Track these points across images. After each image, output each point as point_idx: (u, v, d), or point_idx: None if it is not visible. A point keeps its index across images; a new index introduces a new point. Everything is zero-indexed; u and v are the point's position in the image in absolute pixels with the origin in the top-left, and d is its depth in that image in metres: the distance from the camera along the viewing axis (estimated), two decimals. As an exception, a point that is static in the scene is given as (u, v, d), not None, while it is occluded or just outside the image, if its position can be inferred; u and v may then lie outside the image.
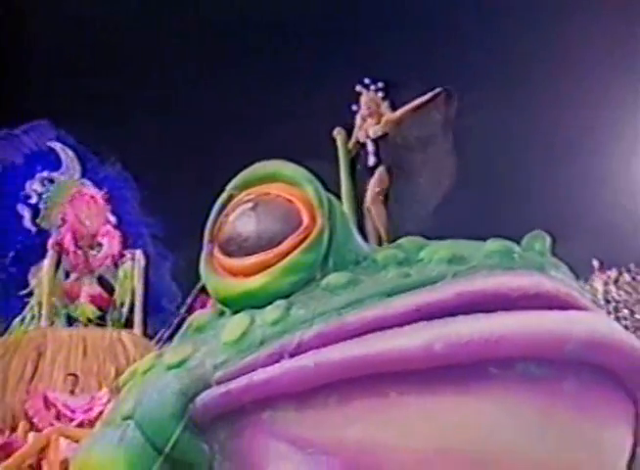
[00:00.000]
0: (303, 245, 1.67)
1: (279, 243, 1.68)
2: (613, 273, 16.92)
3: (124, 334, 11.19)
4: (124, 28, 21.36)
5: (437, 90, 6.33)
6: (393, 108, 6.37)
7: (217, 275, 1.76)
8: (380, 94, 6.48)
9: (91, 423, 7.70)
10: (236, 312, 1.70)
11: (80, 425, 7.93)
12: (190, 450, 1.60)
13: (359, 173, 6.11)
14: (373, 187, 5.96)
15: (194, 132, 20.97)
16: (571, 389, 1.46)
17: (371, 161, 6.30)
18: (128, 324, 11.91)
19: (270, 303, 1.64)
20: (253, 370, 1.54)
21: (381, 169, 6.14)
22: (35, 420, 8.20)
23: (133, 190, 14.79)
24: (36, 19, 21.46)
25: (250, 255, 1.71)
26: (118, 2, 22.00)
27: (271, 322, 1.59)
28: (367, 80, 6.67)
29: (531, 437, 1.45)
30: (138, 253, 12.64)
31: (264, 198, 1.76)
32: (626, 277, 16.78)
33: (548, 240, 1.70)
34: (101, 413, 8.12)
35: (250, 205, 1.76)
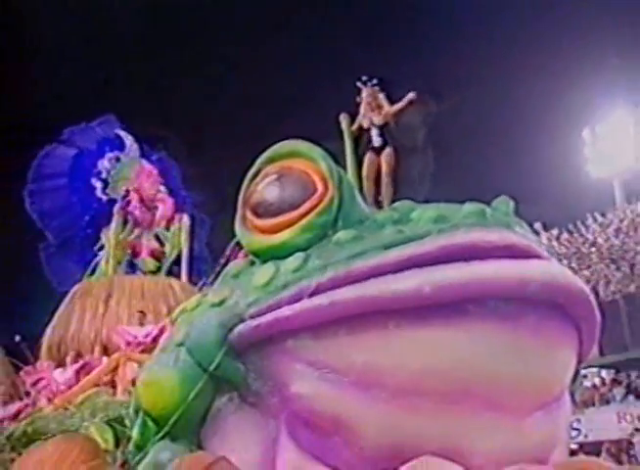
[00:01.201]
0: (318, 208, 1.68)
1: (298, 207, 1.69)
2: (555, 231, 17.05)
3: (173, 281, 11.29)
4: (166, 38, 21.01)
5: (412, 95, 6.25)
6: (390, 100, 6.31)
7: (249, 233, 1.76)
8: (377, 88, 6.42)
9: (149, 349, 7.83)
10: (264, 262, 1.70)
11: (142, 351, 8.05)
12: (229, 370, 1.62)
13: (362, 152, 6.07)
14: (384, 166, 5.93)
15: (224, 121, 20.75)
16: (531, 321, 1.49)
17: (377, 142, 6.24)
18: (175, 273, 12.14)
19: (291, 254, 1.64)
20: (279, 308, 1.56)
21: (388, 150, 6.09)
22: (108, 346, 8.32)
23: (178, 169, 14.93)
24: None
25: (275, 216, 1.71)
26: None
27: (292, 270, 1.60)
28: (364, 77, 6.60)
29: (499, 358, 1.48)
30: (185, 216, 12.73)
31: (286, 171, 1.76)
32: (565, 235, 16.93)
33: (512, 204, 1.73)
34: (156, 341, 8.28)
35: (274, 176, 1.76)
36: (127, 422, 2.40)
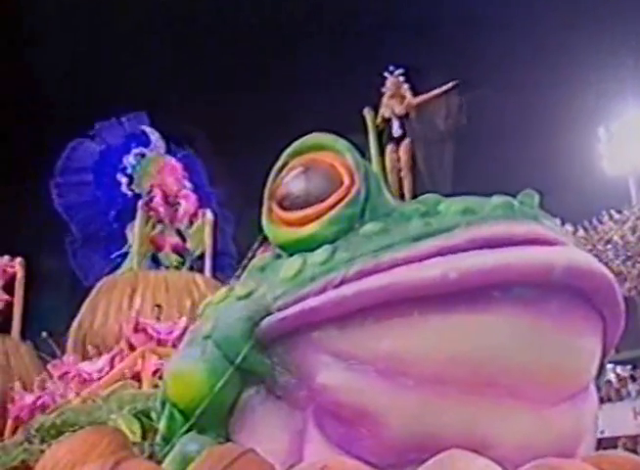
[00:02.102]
0: (345, 201, 1.65)
1: (325, 199, 1.66)
2: (570, 228, 16.93)
3: (197, 275, 11.35)
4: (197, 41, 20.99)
5: (450, 85, 6.19)
6: (413, 91, 6.28)
7: (276, 226, 1.73)
8: (401, 78, 6.38)
9: (173, 343, 7.86)
10: (290, 255, 1.68)
11: (164, 345, 8.06)
12: (256, 363, 1.60)
13: (385, 143, 6.05)
14: (403, 157, 5.90)
15: (250, 122, 20.71)
16: (556, 307, 1.47)
17: (397, 132, 6.21)
18: (199, 268, 12.17)
19: (318, 247, 1.61)
20: (305, 300, 1.53)
21: (406, 141, 6.07)
22: (132, 340, 8.35)
23: (203, 166, 14.95)
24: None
25: (301, 209, 1.68)
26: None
27: (320, 262, 1.57)
28: (391, 67, 6.57)
29: (524, 346, 1.46)
30: (208, 212, 12.76)
31: (312, 163, 1.73)
32: (581, 232, 16.83)
33: (537, 197, 1.70)
34: (180, 336, 8.30)
35: (301, 169, 1.73)
36: (153, 415, 2.38)
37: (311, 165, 1.72)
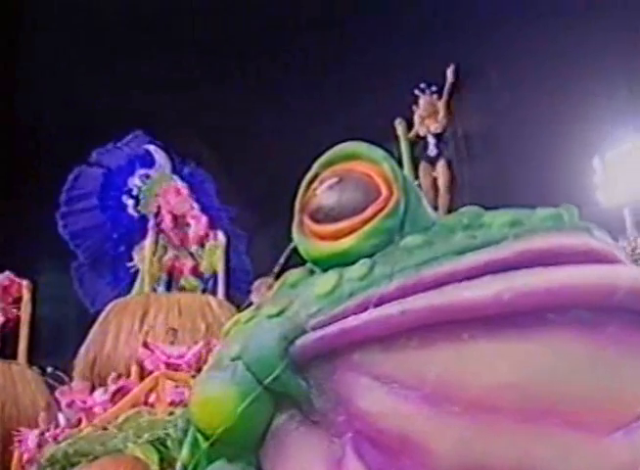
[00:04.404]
0: (384, 212, 1.61)
1: (362, 211, 1.61)
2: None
3: (211, 298, 11.40)
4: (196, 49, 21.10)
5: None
6: (448, 105, 6.30)
7: (308, 239, 1.69)
8: (435, 96, 6.39)
9: (184, 368, 7.85)
10: (324, 271, 1.64)
11: (176, 369, 8.05)
12: (290, 385, 1.55)
13: (418, 161, 6.06)
14: (441, 178, 5.91)
15: (259, 135, 20.78)
16: (615, 330, 1.41)
17: (433, 152, 6.23)
18: (212, 291, 12.19)
19: (355, 262, 1.57)
20: (344, 318, 1.49)
21: (442, 163, 6.08)
22: (145, 364, 8.34)
23: (211, 183, 15.03)
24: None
25: (336, 222, 1.64)
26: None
27: (358, 278, 1.53)
28: (422, 85, 6.57)
29: (581, 371, 1.41)
30: (220, 233, 12.84)
31: (347, 173, 1.69)
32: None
33: (576, 210, 1.64)
34: (191, 360, 8.29)
35: (335, 179, 1.69)
36: (170, 443, 2.34)
37: (346, 176, 1.68)
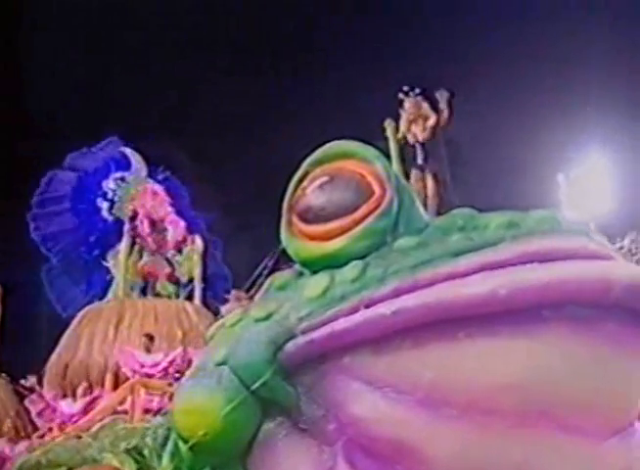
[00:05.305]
0: (377, 212, 1.58)
1: (353, 211, 1.59)
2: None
3: (187, 304, 11.31)
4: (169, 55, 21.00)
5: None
6: (434, 108, 6.29)
7: (298, 240, 1.66)
8: (420, 98, 6.37)
9: (159, 377, 7.76)
10: (314, 273, 1.61)
11: (150, 377, 7.94)
12: (279, 392, 1.52)
13: (407, 168, 6.07)
14: (429, 184, 5.92)
15: (234, 142, 20.66)
16: (612, 329, 1.40)
17: (420, 160, 6.24)
18: (189, 297, 12.09)
19: (346, 263, 1.54)
20: (335, 321, 1.46)
21: (432, 168, 6.09)
22: (119, 373, 8.24)
23: (185, 189, 14.97)
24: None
25: (327, 222, 1.61)
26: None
27: (350, 280, 1.50)
28: (405, 88, 6.55)
29: (578, 371, 1.39)
30: (197, 238, 12.76)
31: (338, 172, 1.66)
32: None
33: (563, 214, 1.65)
34: (166, 369, 8.20)
35: (325, 178, 1.66)
36: (147, 452, 2.29)
37: (337, 174, 1.65)
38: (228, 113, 19.36)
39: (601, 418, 1.44)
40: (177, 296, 11.76)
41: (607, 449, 1.47)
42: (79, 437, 3.65)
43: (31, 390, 9.64)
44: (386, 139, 5.98)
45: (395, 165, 5.64)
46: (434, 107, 6.12)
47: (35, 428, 8.60)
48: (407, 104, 6.18)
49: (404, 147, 6.02)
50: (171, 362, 8.29)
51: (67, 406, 8.44)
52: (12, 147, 18.47)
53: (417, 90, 6.28)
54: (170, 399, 2.07)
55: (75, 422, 7.40)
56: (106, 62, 20.99)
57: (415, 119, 6.11)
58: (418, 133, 6.06)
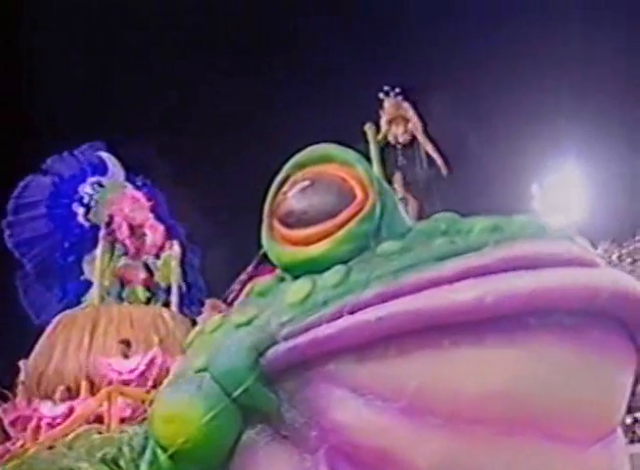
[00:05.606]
0: (359, 216, 1.57)
1: (335, 215, 1.57)
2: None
3: (164, 310, 11.22)
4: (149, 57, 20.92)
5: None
6: (415, 109, 6.30)
7: (279, 245, 1.64)
8: (400, 98, 6.37)
9: (140, 381, 7.70)
10: (296, 278, 1.59)
11: (128, 384, 7.86)
12: (260, 398, 1.50)
13: (390, 171, 6.07)
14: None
15: (214, 145, 20.60)
16: (598, 337, 1.40)
17: (401, 162, 6.24)
18: (165, 303, 12.01)
19: (329, 268, 1.53)
20: (318, 327, 1.44)
21: (413, 171, 6.10)
22: (95, 380, 8.14)
23: (163, 196, 14.91)
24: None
25: (308, 226, 1.59)
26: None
27: (333, 285, 1.48)
28: (386, 88, 6.55)
29: (564, 379, 1.39)
30: (175, 244, 12.68)
31: (320, 176, 1.65)
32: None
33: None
34: (144, 377, 8.12)
35: (307, 182, 1.65)
36: (122, 462, 2.25)
37: (318, 178, 1.64)
38: (210, 115, 19.33)
39: (586, 426, 1.44)
40: (148, 302, 11.65)
41: (590, 456, 1.46)
42: (52, 447, 3.58)
43: (4, 399, 9.51)
44: (367, 142, 5.98)
45: (376, 168, 5.64)
46: (415, 108, 6.14)
47: (8, 437, 8.48)
48: (386, 104, 6.18)
49: (385, 148, 6.02)
50: (149, 364, 8.22)
51: (48, 411, 8.34)
52: (11, 147, 18.31)
53: (397, 90, 6.30)
54: (149, 406, 2.03)
55: (59, 424, 7.30)
56: (106, 62, 20.87)
57: (395, 119, 6.11)
58: (399, 135, 6.06)
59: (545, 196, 20.54)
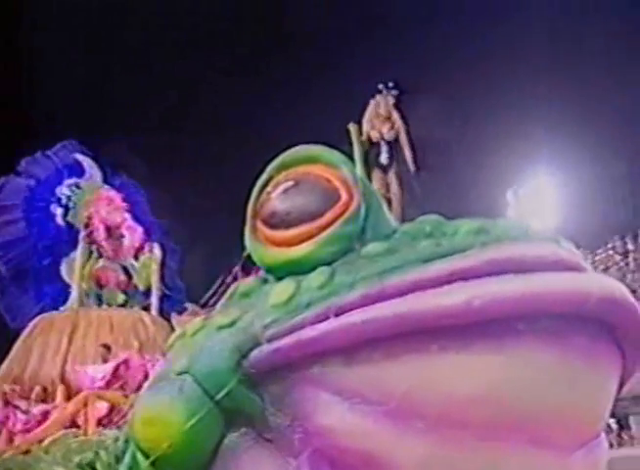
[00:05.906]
0: (344, 217, 1.56)
1: (320, 216, 1.56)
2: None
3: (144, 314, 11.11)
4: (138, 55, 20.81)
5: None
6: (400, 110, 6.27)
7: (262, 246, 1.63)
8: (390, 98, 6.34)
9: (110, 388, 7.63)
10: (279, 279, 1.57)
11: (102, 389, 7.79)
12: (243, 401, 1.48)
13: (372, 167, 6.02)
14: (393, 185, 5.88)
15: (197, 144, 20.52)
16: (585, 342, 1.39)
17: (384, 159, 6.20)
18: (145, 307, 11.92)
19: (313, 270, 1.51)
20: (302, 329, 1.43)
21: (395, 169, 6.06)
22: (72, 385, 8.04)
23: (142, 195, 14.80)
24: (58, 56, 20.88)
25: (292, 227, 1.58)
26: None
27: (317, 287, 1.47)
28: (380, 86, 6.53)
29: (551, 385, 1.38)
30: (155, 246, 12.58)
31: (304, 177, 1.63)
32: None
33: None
34: (117, 378, 8.07)
35: (291, 183, 1.63)
36: (99, 466, 2.21)
37: (302, 179, 1.62)
38: (210, 115, 19.25)
39: (571, 431, 1.44)
40: (124, 305, 11.54)
41: (575, 461, 1.47)
42: (28, 451, 3.53)
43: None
44: (350, 143, 5.97)
45: (360, 170, 5.61)
46: (398, 106, 6.14)
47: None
48: (379, 99, 6.17)
49: (368, 147, 5.99)
50: (119, 369, 8.14)
51: (22, 413, 8.23)
52: (11, 147, 18.10)
53: (390, 85, 6.28)
54: (126, 411, 2.00)
55: (27, 433, 7.20)
56: (106, 62, 20.75)
57: (378, 116, 6.09)
58: (385, 132, 6.04)
59: (520, 203, 20.72)
